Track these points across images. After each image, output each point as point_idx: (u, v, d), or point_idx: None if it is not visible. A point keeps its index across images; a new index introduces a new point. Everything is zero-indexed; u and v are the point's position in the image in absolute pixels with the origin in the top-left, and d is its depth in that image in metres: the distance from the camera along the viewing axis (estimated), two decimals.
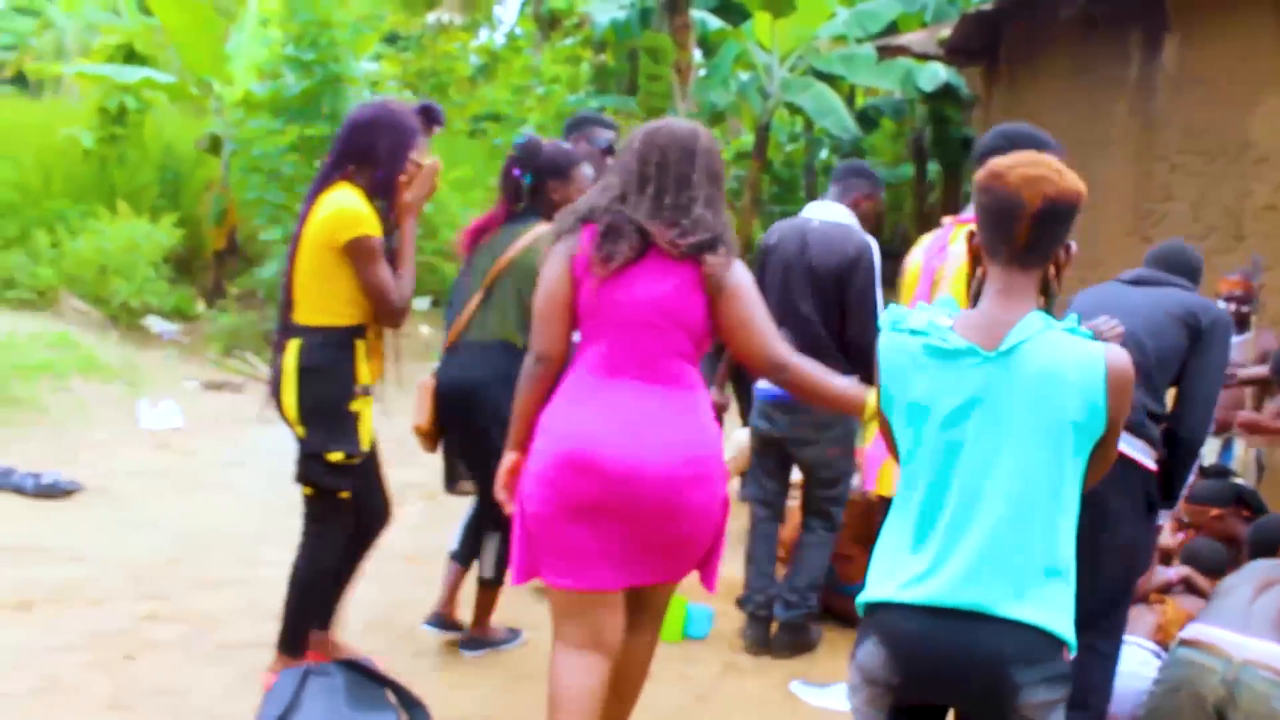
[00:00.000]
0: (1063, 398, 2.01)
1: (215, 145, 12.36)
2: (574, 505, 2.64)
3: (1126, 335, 2.42)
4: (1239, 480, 4.45)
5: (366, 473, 3.63)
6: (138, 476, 6.71)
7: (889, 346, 2.15)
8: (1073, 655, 2.07)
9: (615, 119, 5.73)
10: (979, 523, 2.03)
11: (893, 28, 12.41)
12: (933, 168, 14.53)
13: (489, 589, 4.06)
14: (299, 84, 11.24)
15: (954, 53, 9.92)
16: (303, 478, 3.51)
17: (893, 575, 2.10)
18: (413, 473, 6.63)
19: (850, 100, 14.63)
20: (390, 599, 4.61)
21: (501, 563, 3.92)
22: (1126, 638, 3.45)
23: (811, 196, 13.76)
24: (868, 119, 13.96)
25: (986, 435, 2.04)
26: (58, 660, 3.89)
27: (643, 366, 2.70)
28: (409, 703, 3.40)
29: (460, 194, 12.64)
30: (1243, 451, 5.45)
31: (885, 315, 2.21)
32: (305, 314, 3.44)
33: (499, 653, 4.14)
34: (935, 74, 11.79)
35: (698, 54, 15.55)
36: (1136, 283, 3.29)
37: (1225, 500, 4.20)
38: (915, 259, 3.83)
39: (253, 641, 4.12)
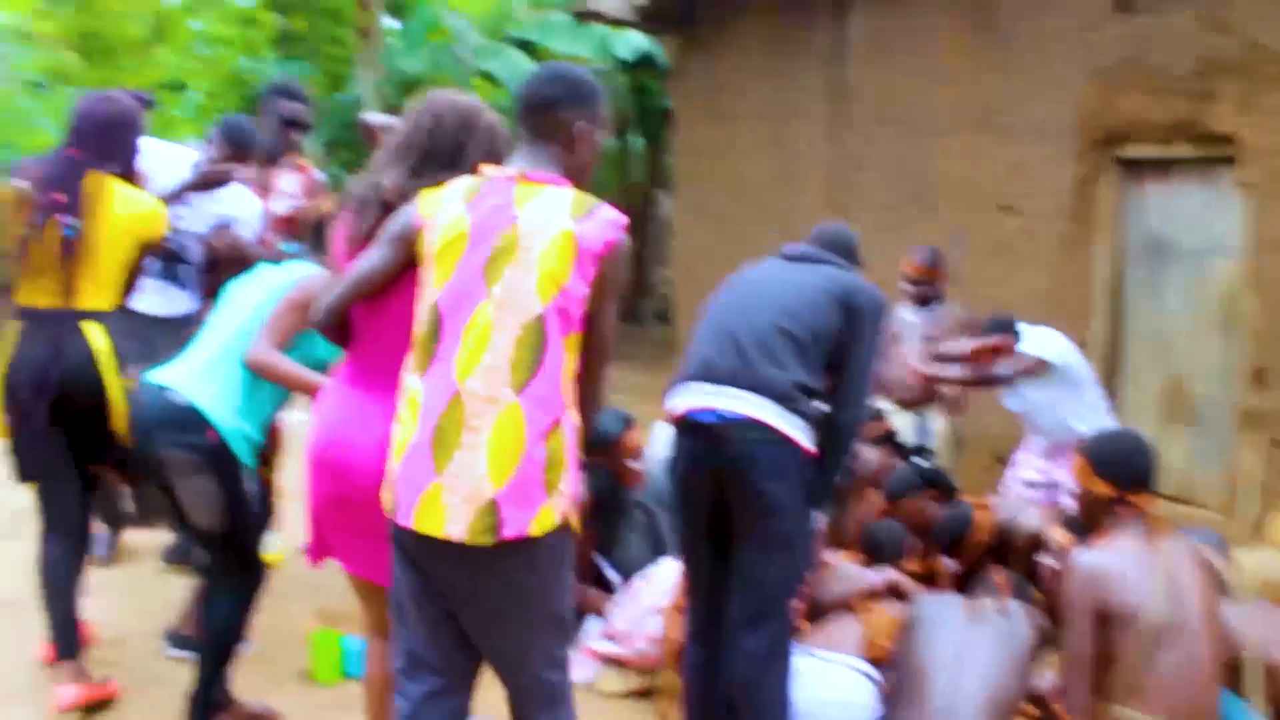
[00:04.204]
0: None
1: None
2: None
3: (781, 311, 2.98)
4: (920, 460, 4.37)
5: None
6: None
7: None
8: (218, 433, 2.98)
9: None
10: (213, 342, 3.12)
11: None
12: (636, 140, 14.40)
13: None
14: None
15: (650, 20, 9.69)
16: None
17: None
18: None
19: None
20: None
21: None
22: (834, 655, 3.23)
23: None
24: None
25: None
26: None
27: None
28: None
29: None
30: (942, 427, 5.43)
31: None
32: (102, 300, 3.42)
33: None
34: (633, 42, 11.57)
35: (394, 21, 14.76)
36: (800, 259, 3.26)
37: (913, 487, 4.12)
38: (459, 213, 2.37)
39: None
